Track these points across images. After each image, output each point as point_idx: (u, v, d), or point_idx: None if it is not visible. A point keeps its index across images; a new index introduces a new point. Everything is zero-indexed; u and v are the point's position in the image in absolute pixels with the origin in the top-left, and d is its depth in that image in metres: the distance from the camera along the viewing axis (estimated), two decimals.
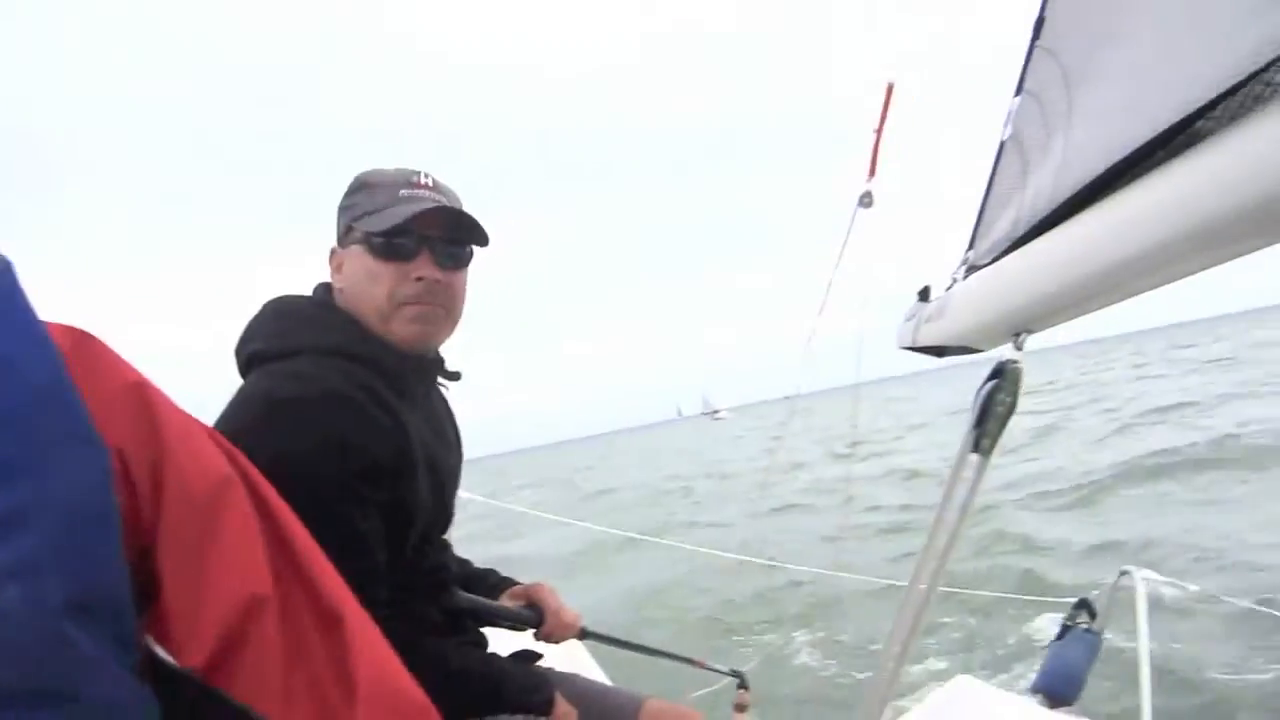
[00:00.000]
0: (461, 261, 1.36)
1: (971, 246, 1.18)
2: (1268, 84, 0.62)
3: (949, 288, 1.20)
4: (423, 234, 1.29)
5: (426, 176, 1.35)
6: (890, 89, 1.42)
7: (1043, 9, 1.06)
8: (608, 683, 2.10)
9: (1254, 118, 0.63)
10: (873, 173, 1.51)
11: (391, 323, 1.30)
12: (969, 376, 1.05)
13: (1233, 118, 0.65)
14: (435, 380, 1.48)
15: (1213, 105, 0.67)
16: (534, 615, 1.58)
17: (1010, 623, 5.76)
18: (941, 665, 5.06)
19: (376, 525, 1.20)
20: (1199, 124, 0.69)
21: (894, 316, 1.40)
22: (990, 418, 1.01)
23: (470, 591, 1.52)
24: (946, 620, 5.90)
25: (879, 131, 1.48)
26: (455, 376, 1.50)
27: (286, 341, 1.26)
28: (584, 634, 1.71)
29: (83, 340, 0.68)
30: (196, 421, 0.77)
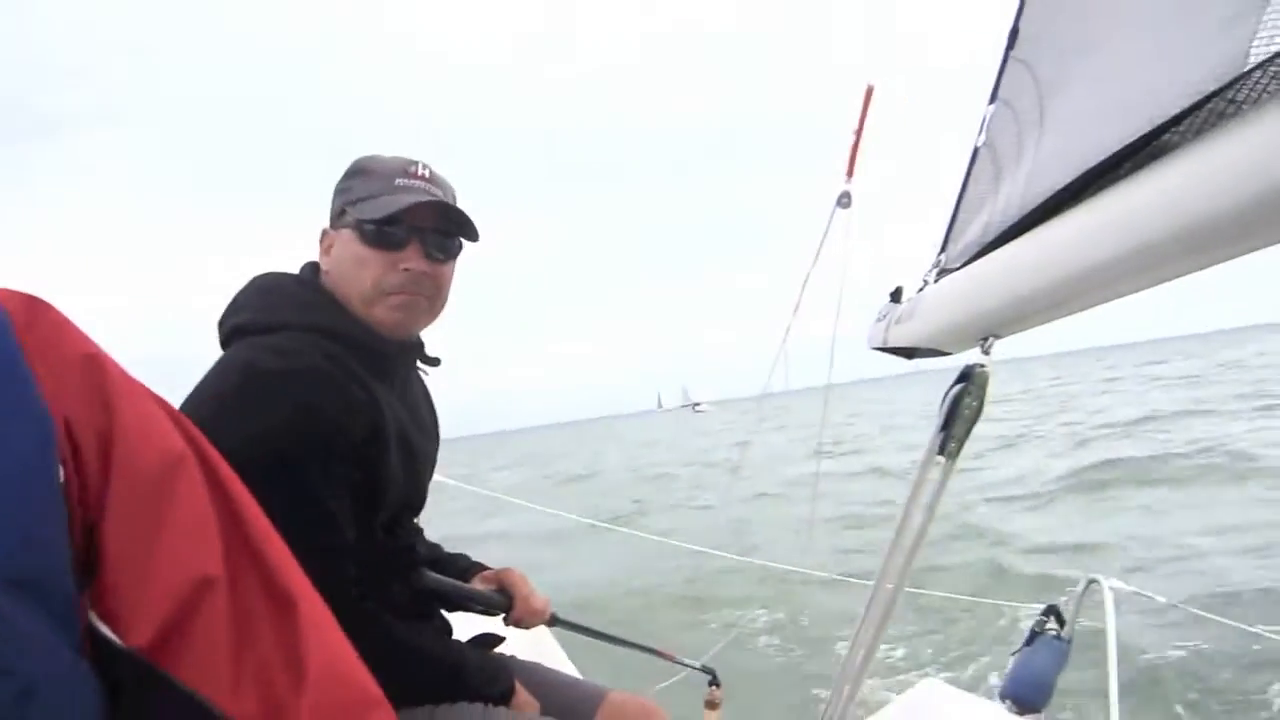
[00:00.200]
0: (450, 254, 1.36)
1: (944, 250, 1.19)
2: (1231, 100, 0.63)
3: (920, 290, 1.21)
4: (413, 225, 1.30)
5: (424, 168, 1.35)
6: (870, 91, 1.43)
7: (1017, 20, 1.08)
8: (573, 671, 2.09)
9: (1217, 133, 0.63)
10: (851, 173, 1.53)
11: (374, 308, 1.31)
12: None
13: (1197, 132, 0.66)
14: (414, 364, 1.49)
15: (1178, 119, 0.68)
16: (503, 600, 1.57)
17: (976, 625, 5.81)
18: (905, 666, 5.10)
19: (346, 502, 1.21)
20: (1165, 137, 0.70)
21: (872, 318, 1.41)
22: (957, 421, 1.02)
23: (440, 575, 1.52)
24: (913, 622, 5.95)
25: (858, 133, 1.50)
26: (435, 362, 1.50)
27: (269, 316, 1.27)
28: (553, 620, 1.71)
29: (36, 307, 0.66)
30: (152, 395, 0.74)
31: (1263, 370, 28.78)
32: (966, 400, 1.01)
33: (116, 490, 0.66)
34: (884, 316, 1.31)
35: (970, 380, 1.01)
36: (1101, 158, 0.76)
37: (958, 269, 1.10)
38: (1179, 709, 4.38)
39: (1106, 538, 8.33)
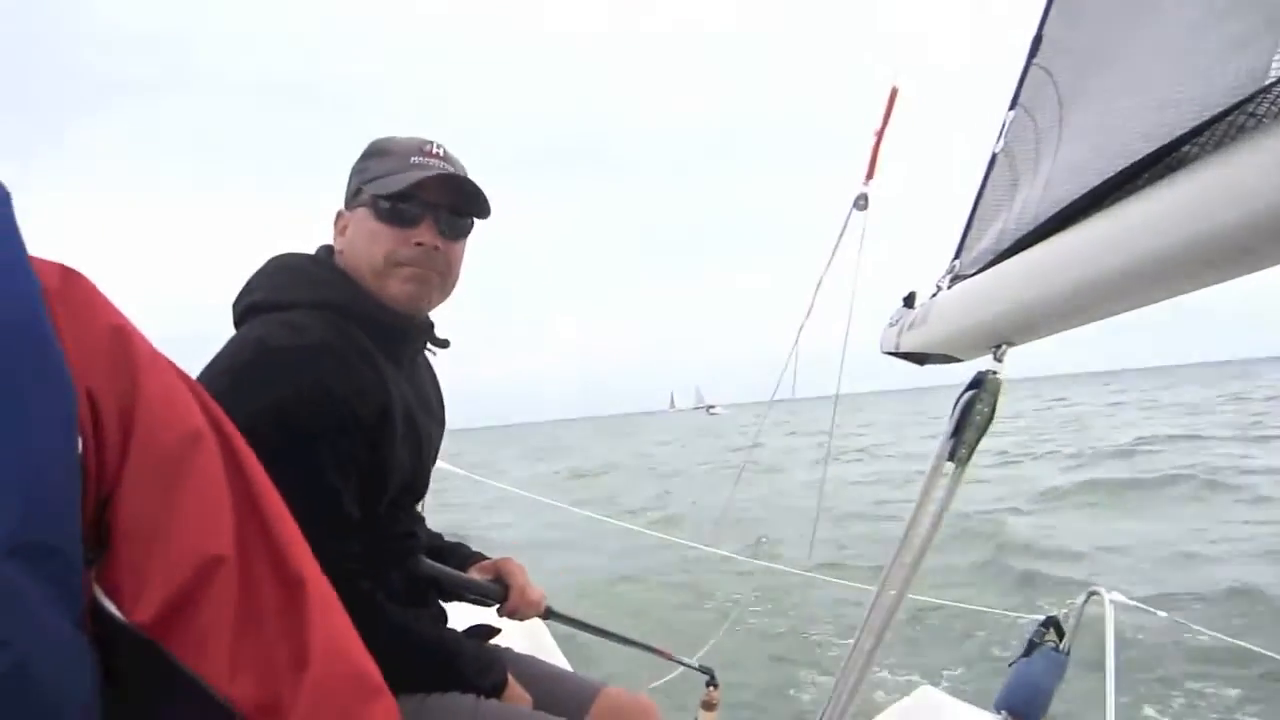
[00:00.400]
0: (461, 232, 1.38)
1: (958, 256, 1.19)
2: (1251, 114, 0.63)
3: (934, 295, 1.21)
4: (427, 201, 1.32)
5: (438, 147, 1.37)
6: (895, 92, 1.43)
7: (1041, 28, 1.08)
8: (566, 666, 2.08)
9: (1236, 146, 0.64)
10: (870, 175, 1.52)
11: (387, 281, 1.33)
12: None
13: (1217, 144, 0.66)
14: (424, 346, 1.50)
15: (1198, 131, 0.68)
16: (499, 590, 1.58)
17: (974, 634, 5.80)
18: (902, 674, 5.10)
19: (353, 480, 1.22)
20: (1184, 149, 0.70)
21: (883, 323, 1.40)
22: (968, 427, 1.02)
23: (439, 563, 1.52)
24: (912, 629, 5.94)
25: (880, 134, 1.49)
26: (444, 344, 1.51)
27: (282, 294, 1.29)
28: (548, 613, 1.71)
29: (69, 278, 0.67)
30: (176, 370, 0.74)
31: (1264, 404, 29.88)
32: (978, 407, 1.01)
33: (134, 464, 0.66)
34: (896, 321, 1.31)
35: (982, 387, 1.01)
36: (1120, 167, 0.76)
37: (972, 275, 1.10)
38: None
39: (1076, 541, 9.38)
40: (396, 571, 1.38)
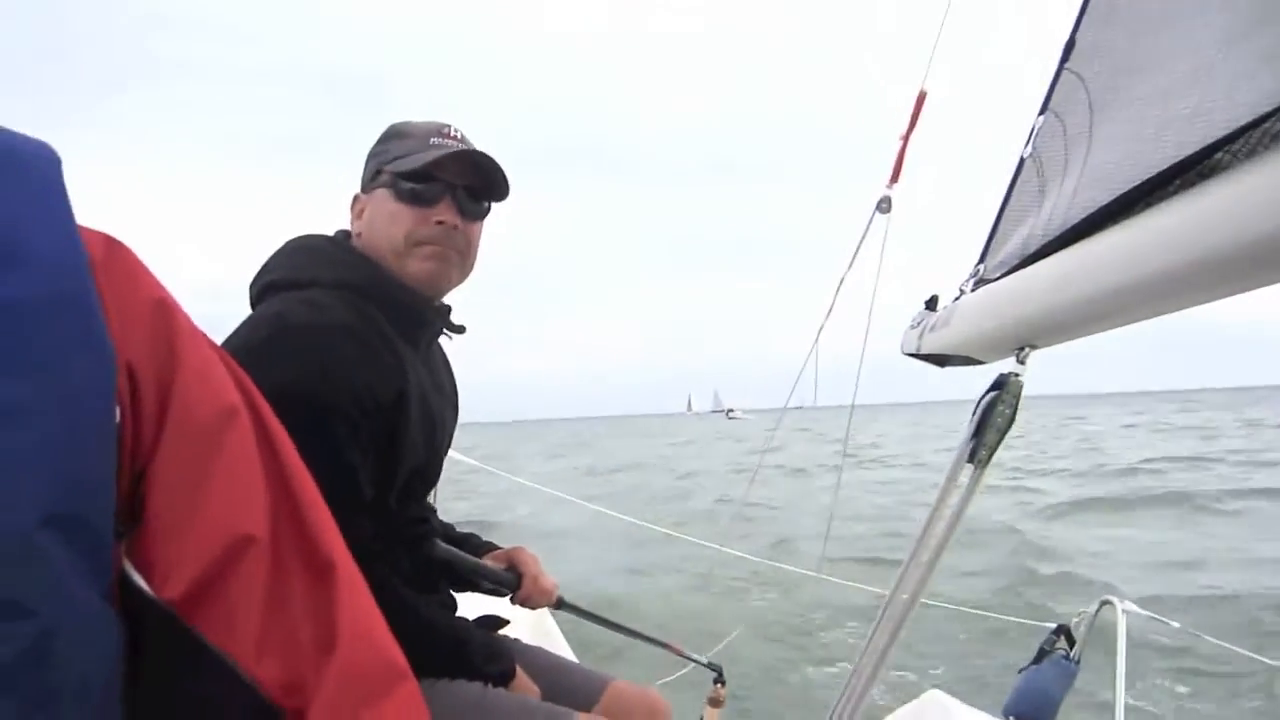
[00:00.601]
0: (479, 213, 1.39)
1: (982, 260, 1.19)
2: None
3: (956, 299, 1.21)
4: (447, 182, 1.33)
5: (456, 130, 1.38)
6: (923, 95, 1.43)
7: (1074, 32, 1.08)
8: (573, 659, 2.08)
9: (1270, 153, 0.64)
10: (895, 178, 1.52)
11: (407, 260, 1.33)
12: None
13: (1250, 153, 0.66)
14: (440, 331, 1.49)
15: (1232, 139, 0.68)
16: (512, 578, 1.57)
17: (985, 640, 5.78)
18: (911, 678, 5.09)
19: (369, 458, 1.22)
20: (1217, 156, 0.70)
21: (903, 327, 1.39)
22: (988, 429, 1.02)
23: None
24: (922, 632, 5.93)
25: (905, 138, 1.49)
26: (460, 329, 1.51)
27: (301, 273, 1.29)
28: (560, 604, 1.70)
29: (114, 249, 0.66)
30: (214, 346, 0.74)
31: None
32: (999, 408, 1.01)
33: (169, 439, 0.65)
34: (918, 323, 1.31)
35: (1004, 388, 1.01)
36: (1151, 174, 0.76)
37: (997, 279, 1.10)
38: None
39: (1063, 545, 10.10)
40: (407, 557, 1.38)
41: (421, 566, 1.41)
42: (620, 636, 1.98)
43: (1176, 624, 2.83)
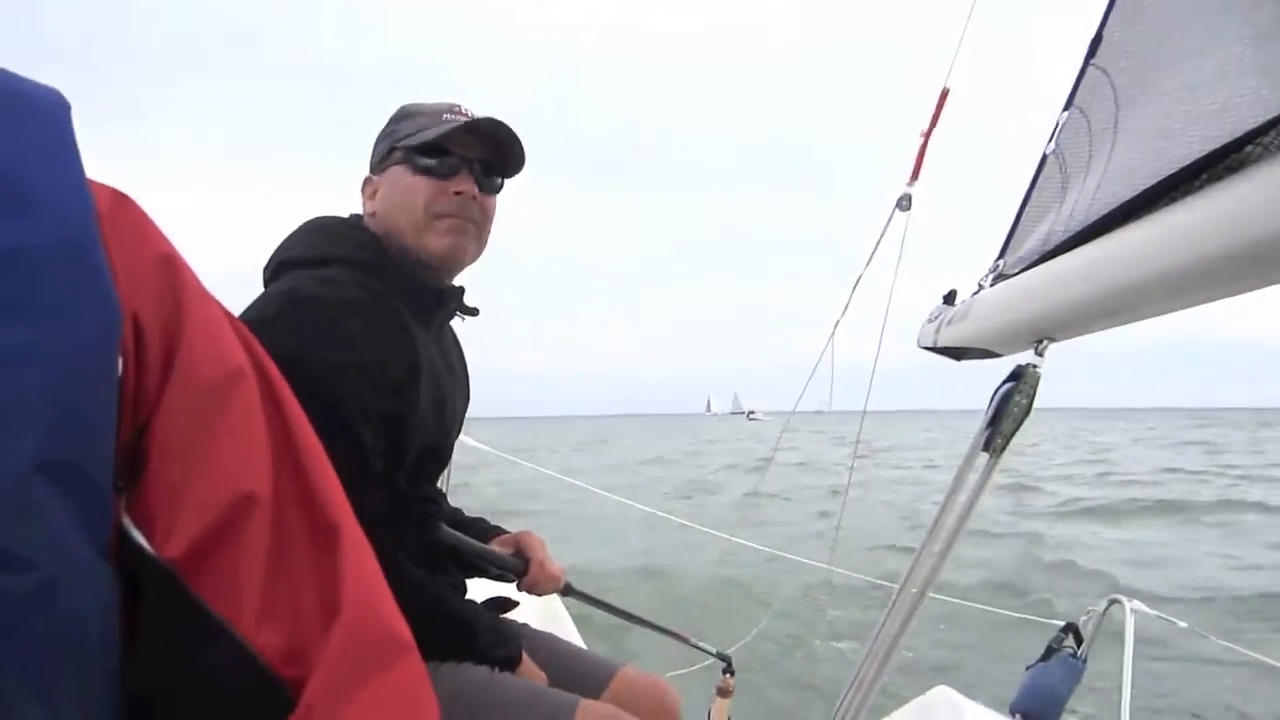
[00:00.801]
0: (494, 188, 1.40)
1: (1002, 255, 1.20)
2: None
3: (975, 293, 1.21)
4: (462, 155, 1.33)
5: (467, 108, 1.38)
6: (945, 93, 1.43)
7: (1100, 28, 1.08)
8: (583, 645, 2.06)
9: None
10: (916, 176, 1.52)
11: (426, 234, 1.33)
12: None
13: (1277, 147, 0.67)
14: (454, 313, 1.49)
15: (1262, 131, 0.68)
16: (519, 563, 1.55)
17: (992, 636, 5.76)
18: (920, 672, 5.08)
19: (379, 433, 1.22)
20: (1247, 149, 0.70)
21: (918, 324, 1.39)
22: (1005, 418, 1.02)
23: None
24: (931, 627, 5.93)
25: (927, 135, 1.49)
26: (474, 311, 1.51)
27: (316, 251, 1.30)
28: (567, 590, 1.68)
29: (121, 201, 0.65)
30: (220, 306, 0.72)
31: None
32: (1016, 398, 1.02)
33: (173, 394, 0.64)
34: (936, 317, 1.31)
35: (1021, 379, 1.02)
36: (1176, 168, 0.77)
37: (1016, 274, 1.11)
38: None
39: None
40: (415, 536, 1.37)
41: (430, 547, 1.40)
42: (633, 626, 1.97)
43: (1184, 624, 2.82)
